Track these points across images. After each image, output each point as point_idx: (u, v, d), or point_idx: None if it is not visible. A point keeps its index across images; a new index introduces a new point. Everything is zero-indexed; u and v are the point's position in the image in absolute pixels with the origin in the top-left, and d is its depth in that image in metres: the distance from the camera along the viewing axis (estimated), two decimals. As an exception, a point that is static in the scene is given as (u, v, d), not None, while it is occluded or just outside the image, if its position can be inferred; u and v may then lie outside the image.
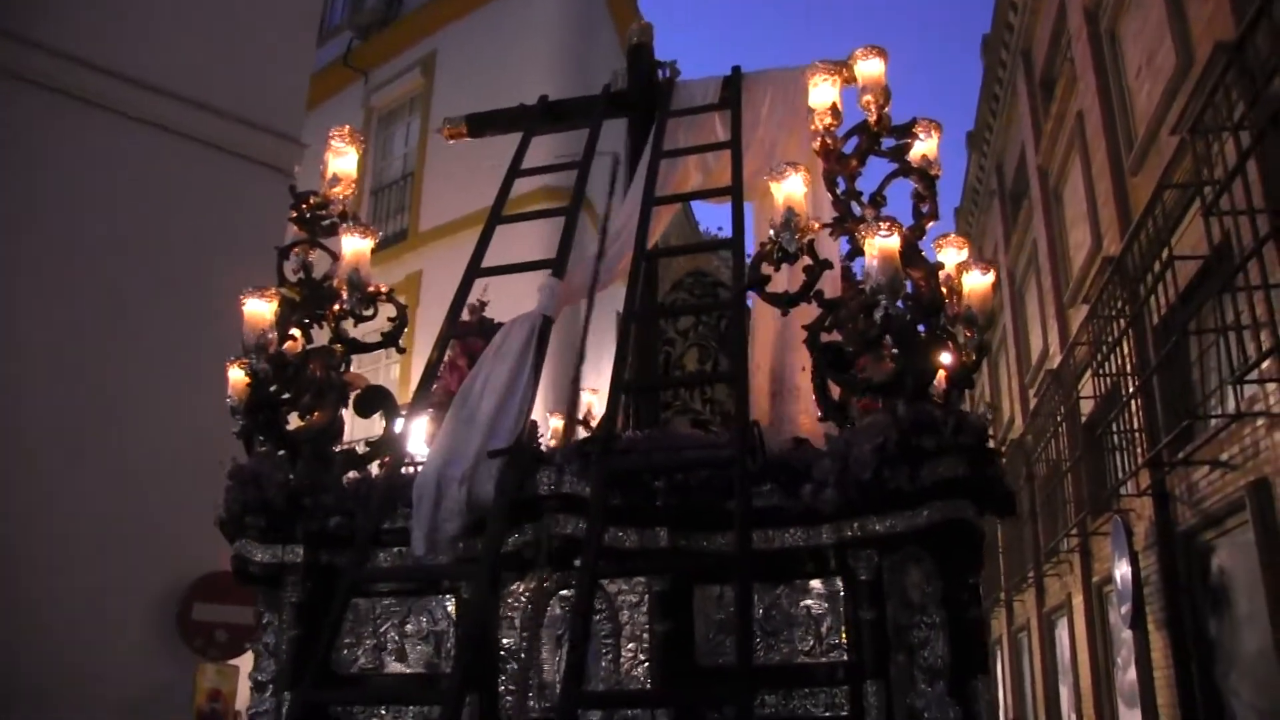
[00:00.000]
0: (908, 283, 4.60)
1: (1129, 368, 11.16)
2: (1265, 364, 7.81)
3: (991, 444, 4.70)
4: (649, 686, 4.54)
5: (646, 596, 4.62)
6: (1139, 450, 10.92)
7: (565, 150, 6.46)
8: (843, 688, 4.37)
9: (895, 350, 4.62)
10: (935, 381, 4.75)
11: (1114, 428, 11.60)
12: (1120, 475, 11.56)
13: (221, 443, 9.66)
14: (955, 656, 4.26)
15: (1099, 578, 14.15)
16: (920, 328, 4.60)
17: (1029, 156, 18.06)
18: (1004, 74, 19.75)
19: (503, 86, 14.88)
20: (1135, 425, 11.03)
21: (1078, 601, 15.08)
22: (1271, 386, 8.12)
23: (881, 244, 4.47)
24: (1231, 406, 8.85)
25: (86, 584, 8.97)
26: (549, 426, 8.21)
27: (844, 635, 4.44)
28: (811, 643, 4.50)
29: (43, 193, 9.80)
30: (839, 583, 4.49)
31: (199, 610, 9.73)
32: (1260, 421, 8.42)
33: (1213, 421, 9.35)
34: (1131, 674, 12.45)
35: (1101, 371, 11.89)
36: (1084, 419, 13.95)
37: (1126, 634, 12.47)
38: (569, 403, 6.30)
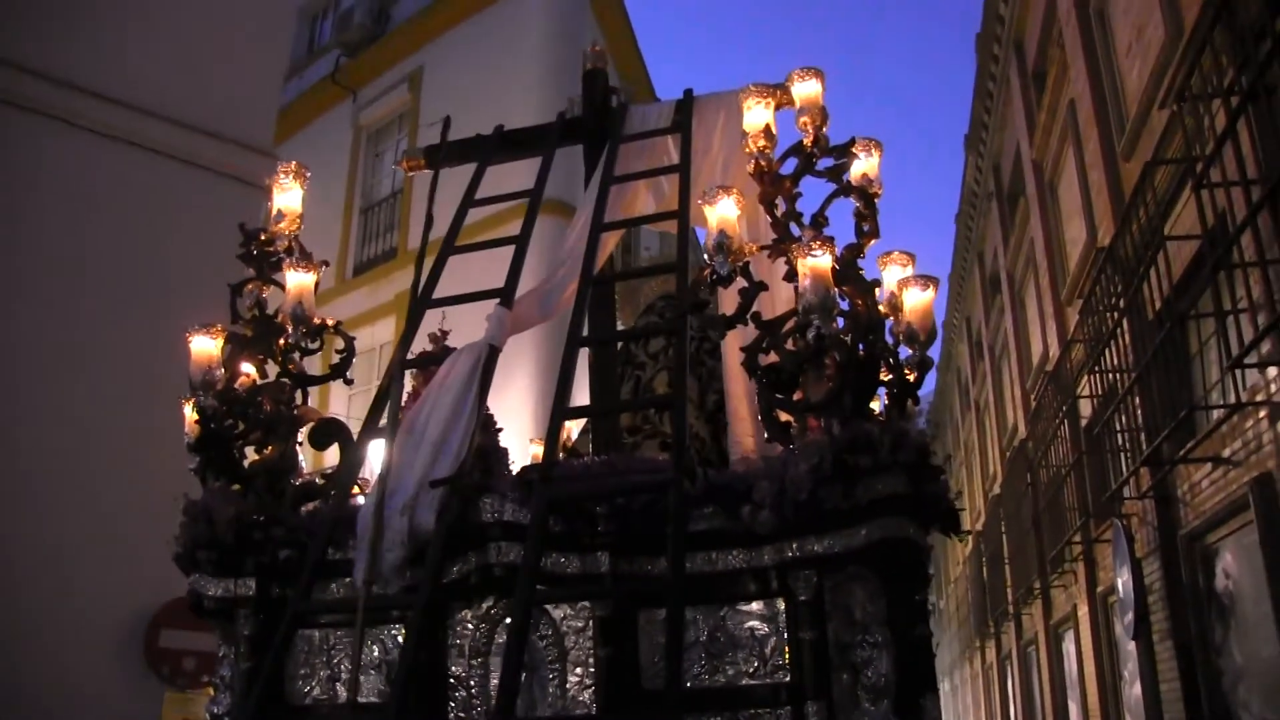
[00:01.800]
0: (844, 302, 4.60)
1: (1126, 363, 10.65)
2: (1265, 347, 7.34)
3: (934, 460, 4.68)
4: (595, 711, 4.55)
5: (591, 621, 4.64)
6: (1139, 450, 10.42)
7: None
8: (786, 708, 4.37)
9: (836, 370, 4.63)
10: (881, 399, 4.77)
11: (1112, 427, 11.16)
12: (1121, 477, 11.13)
13: (181, 464, 9.75)
14: (901, 675, 4.27)
15: (1103, 587, 13.81)
16: (860, 346, 4.60)
17: (1024, 152, 17.83)
18: (996, 69, 19.56)
19: (490, 100, 15.00)
20: (1134, 424, 10.58)
21: (1083, 612, 14.78)
22: (1272, 372, 7.66)
23: (812, 264, 4.48)
24: (1234, 398, 8.20)
25: (50, 609, 8.83)
26: (528, 454, 8.24)
27: (787, 656, 4.44)
28: (756, 664, 4.49)
29: (3, 209, 9.73)
30: (781, 604, 4.49)
31: (166, 637, 9.53)
32: (1262, 413, 7.99)
33: (1214, 415, 8.86)
34: (1139, 688, 12.05)
35: (1098, 368, 11.49)
36: (1084, 421, 13.60)
37: (1132, 646, 12.10)
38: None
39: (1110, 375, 11.23)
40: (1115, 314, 10.88)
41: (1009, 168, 20.21)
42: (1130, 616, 11.43)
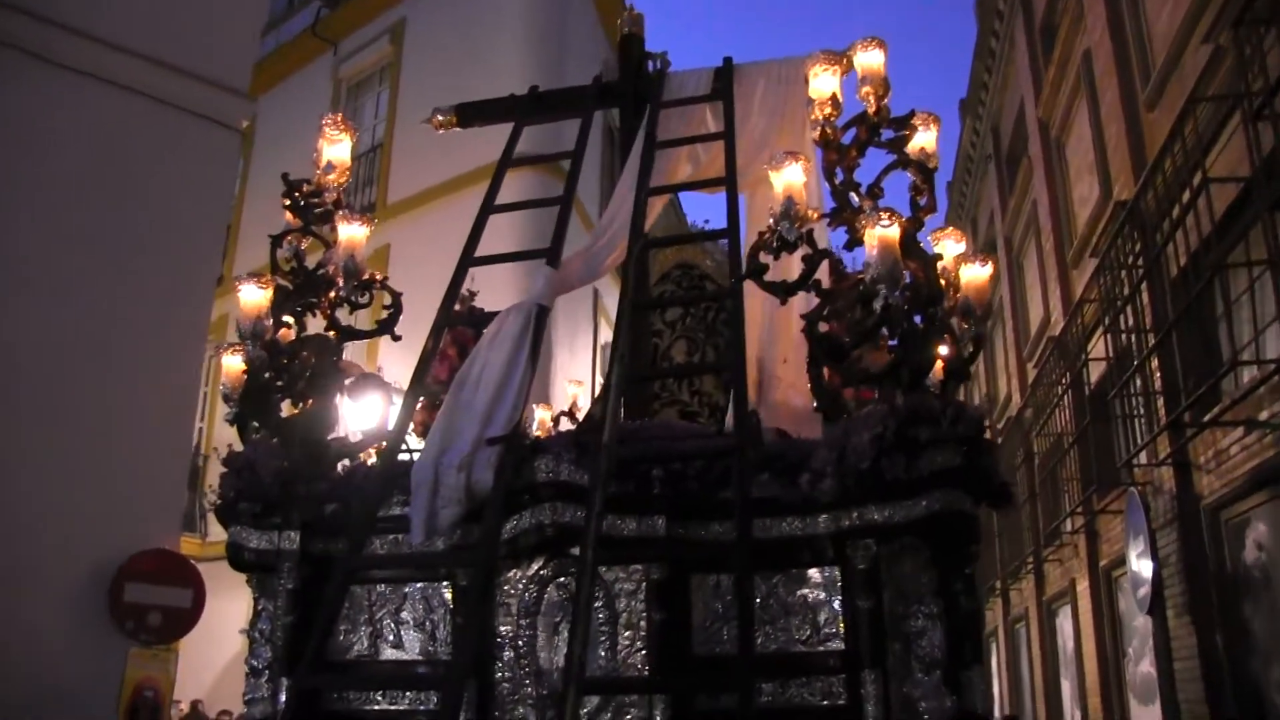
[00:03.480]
0: (906, 274, 4.61)
1: (1146, 322, 10.25)
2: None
3: (988, 435, 4.73)
4: (645, 674, 4.55)
5: (644, 585, 4.63)
6: (1157, 415, 10.06)
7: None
8: (839, 676, 4.39)
9: (893, 341, 4.64)
10: (932, 372, 4.78)
11: (1128, 390, 10.75)
12: (1133, 445, 10.73)
13: (158, 413, 9.51)
14: (950, 647, 4.29)
15: (1107, 561, 13.34)
16: (917, 319, 4.62)
17: (1028, 111, 17.39)
18: (1000, 26, 19.17)
19: (473, 54, 14.82)
20: (1152, 387, 10.19)
21: (1083, 587, 14.33)
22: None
23: (881, 234, 4.48)
24: (1269, 356, 7.79)
25: (7, 560, 8.40)
26: (534, 418, 8.24)
27: (841, 624, 4.46)
28: (808, 631, 4.51)
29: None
30: (836, 572, 4.51)
31: (131, 591, 8.94)
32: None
33: (1245, 378, 8.33)
34: (1145, 666, 11.69)
35: (1114, 328, 11.04)
36: (1090, 388, 13.13)
37: (1139, 622, 11.73)
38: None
39: (1126, 336, 10.79)
40: (1136, 270, 10.44)
41: (1010, 129, 19.82)
42: (1145, 591, 10.93)
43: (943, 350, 4.80)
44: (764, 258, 4.84)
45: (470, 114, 6.64)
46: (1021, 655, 19.69)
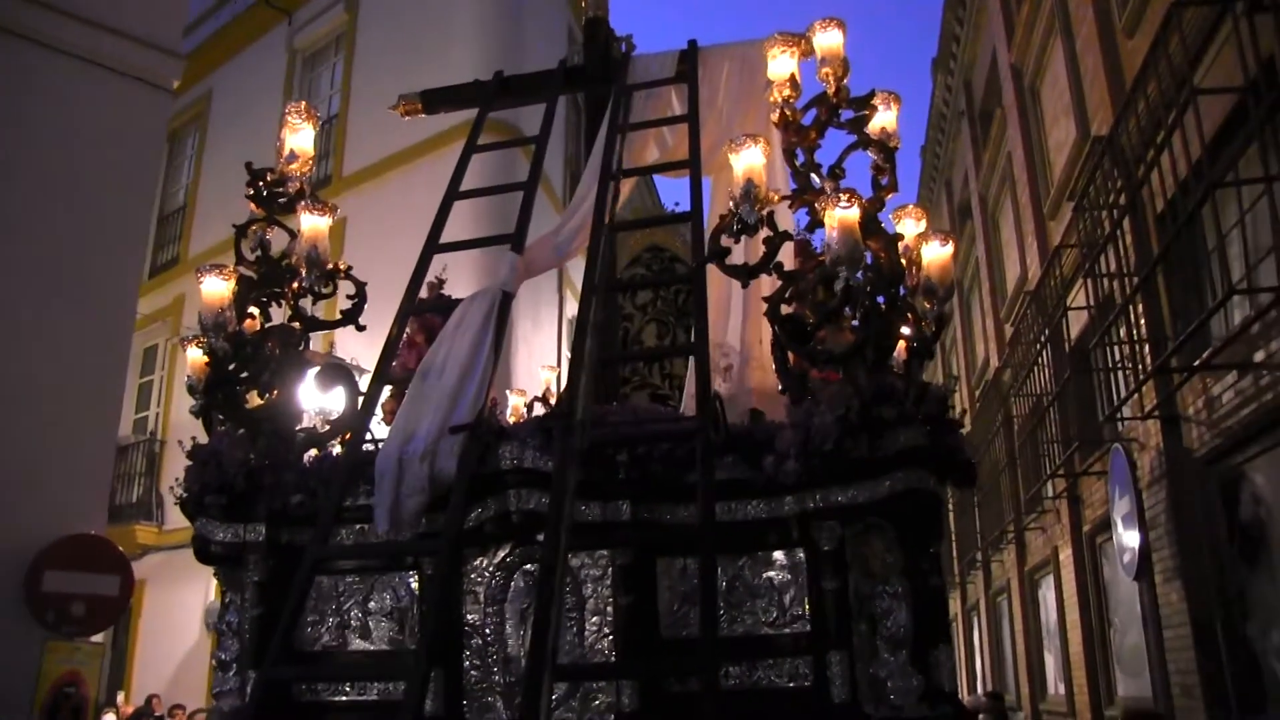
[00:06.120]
0: (867, 254, 4.60)
1: (1127, 265, 9.44)
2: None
3: (953, 414, 4.74)
4: (613, 659, 4.55)
5: (610, 570, 4.64)
6: (1142, 365, 9.23)
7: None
8: (806, 657, 4.40)
9: (856, 321, 4.64)
10: (896, 352, 4.78)
11: (1110, 339, 9.95)
12: (1117, 399, 9.87)
13: (82, 394, 9.29)
14: (917, 626, 4.30)
15: (1090, 526, 12.75)
16: (880, 299, 4.62)
17: (1001, 58, 16.62)
18: None
19: (430, 21, 14.54)
20: (1137, 334, 9.36)
21: (1065, 556, 13.68)
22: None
23: (841, 215, 4.47)
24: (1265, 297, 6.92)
25: None
26: (509, 404, 8.23)
27: (807, 606, 4.47)
28: (774, 614, 4.53)
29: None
30: (801, 554, 4.51)
31: (51, 579, 8.63)
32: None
33: (1238, 318, 7.68)
34: (1132, 636, 11.07)
35: (1094, 273, 10.28)
36: (1070, 342, 12.43)
37: (1125, 590, 11.07)
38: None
39: (1107, 282, 10.04)
40: (1117, 209, 9.73)
41: (982, 81, 19.11)
42: (1131, 555, 10.16)
43: (905, 330, 4.81)
44: (726, 241, 4.82)
45: (435, 100, 6.62)
46: (1004, 629, 19.34)
